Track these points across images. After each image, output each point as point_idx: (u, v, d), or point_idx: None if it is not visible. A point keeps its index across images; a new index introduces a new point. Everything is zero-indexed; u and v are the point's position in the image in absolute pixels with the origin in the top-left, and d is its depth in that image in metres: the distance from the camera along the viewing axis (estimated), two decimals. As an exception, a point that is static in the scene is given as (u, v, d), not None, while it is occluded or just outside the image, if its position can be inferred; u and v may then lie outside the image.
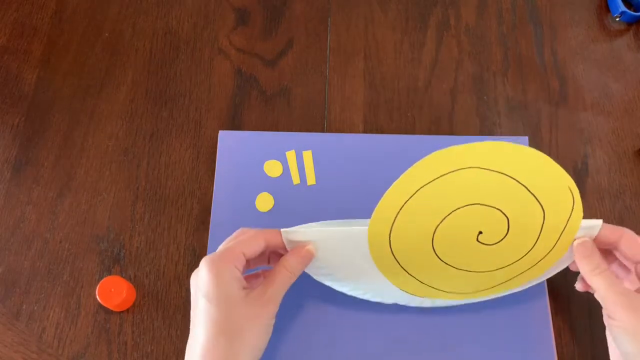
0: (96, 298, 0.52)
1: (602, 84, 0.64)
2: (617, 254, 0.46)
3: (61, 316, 0.53)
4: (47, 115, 0.62)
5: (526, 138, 0.60)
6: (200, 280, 0.42)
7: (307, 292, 0.52)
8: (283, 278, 0.44)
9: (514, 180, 0.41)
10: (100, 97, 0.63)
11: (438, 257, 0.45)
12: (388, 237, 0.44)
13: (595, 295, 0.44)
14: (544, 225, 0.44)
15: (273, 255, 0.48)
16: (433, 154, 0.39)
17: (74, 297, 0.54)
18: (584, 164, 0.60)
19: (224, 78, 0.64)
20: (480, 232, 0.44)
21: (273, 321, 0.44)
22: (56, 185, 0.58)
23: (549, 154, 0.60)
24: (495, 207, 0.42)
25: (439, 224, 0.43)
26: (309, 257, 0.45)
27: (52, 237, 0.56)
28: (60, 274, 0.54)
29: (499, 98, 0.63)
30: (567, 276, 0.55)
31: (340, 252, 0.46)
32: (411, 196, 0.41)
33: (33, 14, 0.67)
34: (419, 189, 0.41)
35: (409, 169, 0.40)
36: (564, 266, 0.48)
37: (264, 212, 0.56)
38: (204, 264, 0.42)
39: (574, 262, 0.46)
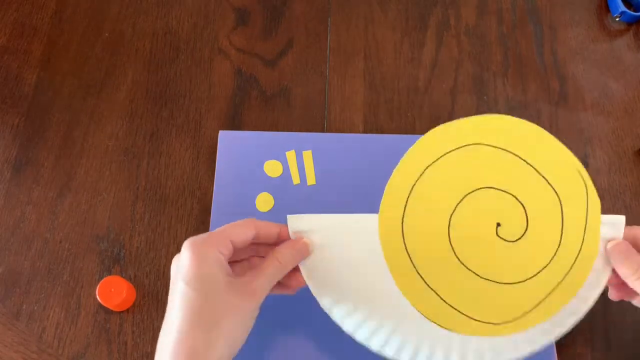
0: (96, 298, 0.52)
1: (602, 84, 0.64)
2: None
3: (61, 316, 0.53)
4: (47, 115, 0.62)
5: (526, 138, 0.60)
6: (181, 263, 0.39)
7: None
8: (273, 269, 0.41)
9: (522, 161, 0.41)
10: (101, 97, 0.63)
11: (457, 257, 0.42)
12: (400, 224, 0.41)
13: (635, 303, 0.42)
14: (564, 218, 0.41)
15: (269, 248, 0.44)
16: (435, 128, 0.40)
17: (74, 297, 0.54)
18: (584, 164, 0.60)
19: (224, 78, 0.64)
20: (499, 225, 0.42)
21: (256, 314, 0.41)
22: (56, 185, 0.58)
23: (549, 154, 0.60)
24: (508, 192, 0.41)
25: (453, 212, 0.41)
26: (305, 251, 0.43)
27: (52, 237, 0.56)
28: (60, 274, 0.55)
29: (499, 98, 0.63)
30: (567, 276, 0.55)
31: (347, 248, 0.43)
32: (420, 175, 0.41)
33: (33, 14, 0.67)
34: (426, 168, 0.41)
35: (414, 144, 0.40)
36: (599, 289, 0.43)
37: (264, 212, 0.56)
38: (186, 246, 0.39)
39: (612, 287, 0.42)
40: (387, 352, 0.42)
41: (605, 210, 0.57)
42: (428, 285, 0.42)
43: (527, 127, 0.41)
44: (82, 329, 0.52)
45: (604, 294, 0.55)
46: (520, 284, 0.41)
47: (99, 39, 0.66)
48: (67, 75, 0.64)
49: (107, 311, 0.53)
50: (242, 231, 0.41)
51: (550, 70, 0.65)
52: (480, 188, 0.41)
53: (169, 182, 0.59)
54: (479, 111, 0.62)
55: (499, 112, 0.62)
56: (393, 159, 0.58)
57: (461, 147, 0.41)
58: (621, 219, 0.42)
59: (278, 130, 0.61)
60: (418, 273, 0.42)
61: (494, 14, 0.68)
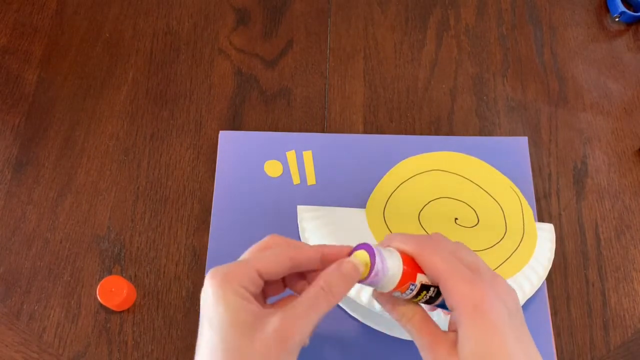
0: (97, 298, 0.52)
1: (602, 84, 0.64)
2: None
3: (62, 316, 0.53)
4: (48, 115, 0.62)
5: (526, 138, 0.61)
6: (203, 301, 0.34)
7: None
8: (315, 302, 0.34)
9: (469, 181, 0.57)
10: (101, 97, 0.63)
11: (427, 232, 0.54)
12: (382, 213, 0.55)
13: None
14: (505, 216, 0.55)
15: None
16: (408, 159, 0.58)
17: (75, 296, 0.54)
18: (584, 164, 0.60)
19: (224, 78, 0.64)
20: (457, 219, 0.55)
21: None
22: (57, 185, 0.58)
23: (549, 154, 0.61)
24: (461, 200, 0.56)
25: (421, 210, 0.55)
26: (356, 277, 0.35)
27: (52, 237, 0.56)
28: (61, 274, 0.55)
29: (498, 98, 0.63)
30: (567, 276, 0.55)
31: (345, 227, 0.54)
32: (395, 189, 0.56)
33: (34, 14, 0.67)
34: (400, 184, 0.57)
35: (391, 170, 0.58)
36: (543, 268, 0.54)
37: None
38: (207, 280, 0.34)
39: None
40: (376, 306, 0.48)
41: (605, 210, 0.58)
42: None
43: (472, 159, 0.58)
44: (83, 329, 0.53)
45: (604, 299, 0.55)
46: (480, 252, 0.53)
47: (99, 39, 0.66)
48: (68, 76, 0.64)
49: (108, 311, 0.53)
50: (274, 261, 0.35)
51: (549, 70, 0.65)
52: (440, 197, 0.56)
53: (169, 182, 0.59)
54: (478, 111, 0.63)
55: (498, 112, 0.62)
56: (393, 159, 0.59)
57: (425, 171, 0.58)
58: (550, 226, 0.56)
59: (278, 130, 0.61)
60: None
61: (493, 14, 0.68)
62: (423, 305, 0.39)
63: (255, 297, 0.34)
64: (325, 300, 0.34)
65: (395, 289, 0.36)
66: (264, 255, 0.36)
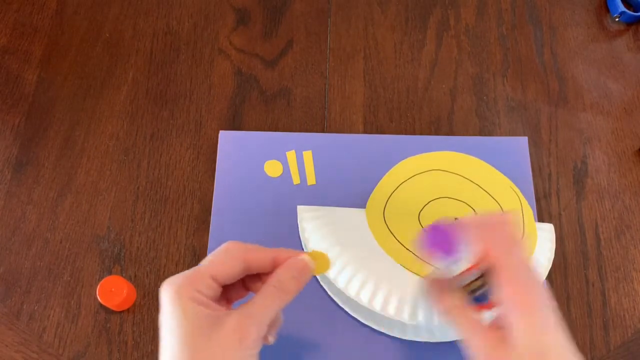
0: (97, 298, 0.52)
1: (602, 84, 0.64)
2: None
3: (62, 316, 0.53)
4: (48, 115, 0.62)
5: (525, 138, 0.61)
6: (161, 312, 0.34)
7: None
8: (268, 300, 0.35)
9: (468, 180, 0.57)
10: (101, 97, 0.63)
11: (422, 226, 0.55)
12: (382, 214, 0.55)
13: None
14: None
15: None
16: (407, 159, 0.58)
17: (75, 296, 0.54)
18: (584, 164, 0.60)
19: (224, 78, 0.64)
20: (457, 218, 0.52)
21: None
22: (57, 185, 0.58)
23: (549, 154, 0.61)
24: (461, 200, 0.56)
25: (421, 210, 0.55)
26: (307, 273, 0.36)
27: (52, 237, 0.56)
28: (61, 274, 0.55)
29: (498, 98, 0.63)
30: (567, 276, 0.55)
31: (345, 227, 0.53)
32: (395, 189, 0.57)
33: (34, 14, 0.67)
34: (400, 184, 0.57)
35: (391, 169, 0.58)
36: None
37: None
38: (162, 291, 0.34)
39: None
40: (376, 306, 0.48)
41: (605, 210, 0.58)
42: (405, 247, 0.53)
43: (472, 159, 0.58)
44: (83, 329, 0.53)
45: (604, 299, 0.55)
46: None
47: (99, 39, 0.66)
48: (68, 76, 0.64)
49: (108, 311, 0.53)
50: (228, 265, 0.36)
51: (549, 70, 0.65)
52: (441, 197, 0.56)
53: (169, 182, 0.59)
54: (478, 111, 0.63)
55: (498, 112, 0.62)
56: (393, 159, 0.59)
57: (425, 171, 0.58)
58: (550, 226, 0.56)
59: (278, 130, 0.61)
60: (397, 240, 0.53)
61: (493, 14, 0.68)
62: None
63: (215, 300, 0.35)
64: (277, 297, 0.35)
65: (462, 273, 0.38)
66: (217, 259, 0.36)
